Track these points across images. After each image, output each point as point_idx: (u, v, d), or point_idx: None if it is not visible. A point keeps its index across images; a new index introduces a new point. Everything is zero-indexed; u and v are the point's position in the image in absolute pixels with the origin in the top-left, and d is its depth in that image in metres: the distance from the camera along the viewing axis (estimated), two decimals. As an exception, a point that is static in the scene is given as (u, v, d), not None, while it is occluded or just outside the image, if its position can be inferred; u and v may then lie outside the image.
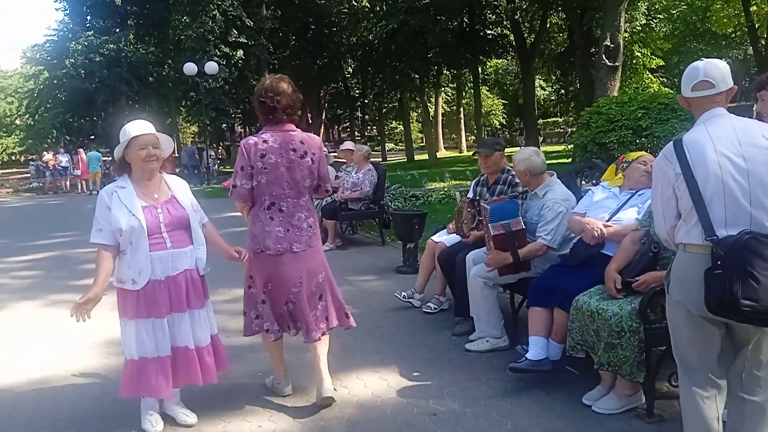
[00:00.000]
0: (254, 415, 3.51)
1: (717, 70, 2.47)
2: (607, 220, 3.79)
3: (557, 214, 4.10)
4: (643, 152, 4.20)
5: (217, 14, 26.55)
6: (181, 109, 39.73)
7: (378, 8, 30.17)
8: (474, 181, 5.18)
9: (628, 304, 3.19)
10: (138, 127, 3.19)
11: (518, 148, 6.00)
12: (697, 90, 2.47)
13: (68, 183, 25.95)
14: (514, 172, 4.79)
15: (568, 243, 4.16)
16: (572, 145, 9.69)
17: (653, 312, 3.13)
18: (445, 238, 5.24)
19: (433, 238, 5.38)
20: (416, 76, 28.08)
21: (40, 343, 5.07)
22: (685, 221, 2.38)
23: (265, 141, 3.43)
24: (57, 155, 26.23)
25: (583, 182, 4.68)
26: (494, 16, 29.11)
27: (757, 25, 26.03)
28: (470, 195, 5.07)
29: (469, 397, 3.61)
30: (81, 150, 25.15)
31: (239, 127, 46.32)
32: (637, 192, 3.85)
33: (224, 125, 35.82)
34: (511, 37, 29.29)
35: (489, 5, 28.47)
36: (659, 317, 3.14)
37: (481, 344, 4.31)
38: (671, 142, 2.47)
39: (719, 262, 2.21)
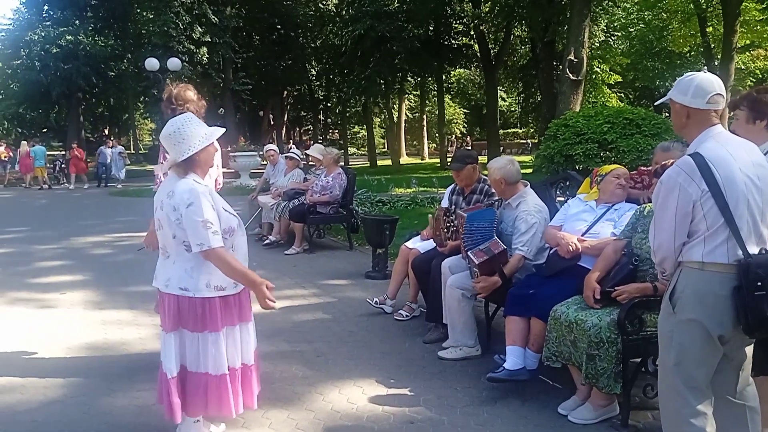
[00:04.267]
0: (229, 424, 3.41)
1: (723, 86, 2.46)
2: (584, 233, 3.84)
3: (531, 225, 4.13)
4: (617, 165, 4.25)
5: (181, 11, 26.03)
6: (139, 104, 38.88)
7: (344, 12, 30.13)
8: (449, 190, 5.18)
9: (607, 315, 3.23)
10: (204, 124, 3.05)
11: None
12: (711, 103, 2.41)
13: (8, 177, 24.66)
14: (490, 182, 4.82)
15: (542, 252, 4.20)
16: (536, 157, 9.85)
17: (631, 324, 3.18)
18: (419, 244, 5.23)
19: (407, 244, 5.36)
20: (382, 82, 28.12)
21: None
22: (706, 240, 2.33)
23: None
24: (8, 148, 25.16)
25: (558, 193, 4.72)
26: (460, 26, 29.42)
27: (712, 46, 26.95)
28: (445, 204, 5.07)
29: (446, 405, 3.60)
30: (24, 143, 23.83)
31: (199, 125, 45.48)
32: (612, 206, 3.92)
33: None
34: (476, 48, 29.63)
35: (455, 15, 28.76)
36: (637, 329, 3.20)
37: (454, 352, 4.31)
38: (688, 157, 2.39)
39: (759, 283, 2.21)
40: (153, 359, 4.34)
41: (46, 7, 31.34)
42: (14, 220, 12.84)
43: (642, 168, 4.10)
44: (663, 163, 3.19)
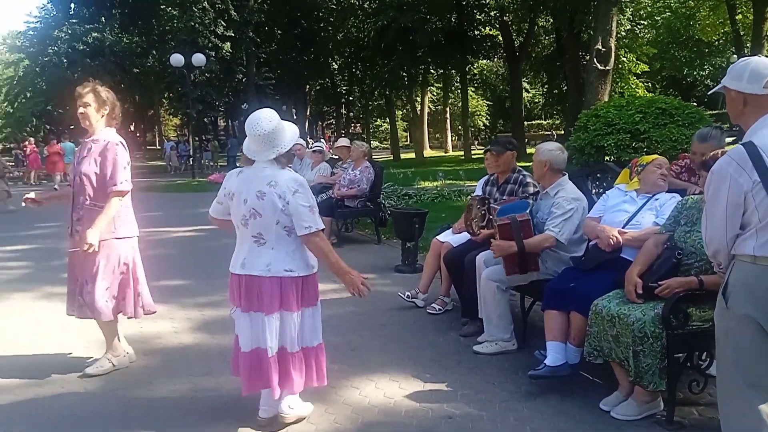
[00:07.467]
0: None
1: None
2: (625, 224, 3.76)
3: (566, 210, 4.06)
4: (656, 156, 4.16)
5: (206, 5, 26.21)
6: (164, 100, 39.26)
7: (367, 5, 30.07)
8: (483, 180, 5.11)
9: (651, 309, 3.16)
10: None
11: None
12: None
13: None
14: (525, 172, 4.75)
15: (579, 244, 4.12)
16: (566, 148, 9.74)
17: (676, 318, 3.10)
18: (451, 238, 5.18)
19: (438, 237, 5.31)
20: (405, 74, 28.02)
21: (37, 337, 4.90)
22: (758, 233, 2.24)
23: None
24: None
25: (595, 185, 4.64)
26: (483, 17, 29.16)
27: (742, 33, 26.38)
28: (479, 193, 5.01)
29: (484, 400, 3.56)
30: (31, 139, 24.35)
31: (221, 120, 45.94)
32: (653, 196, 3.83)
33: (206, 118, 35.51)
34: (500, 39, 29.37)
35: (478, 5, 28.51)
36: (682, 323, 3.12)
37: (489, 347, 4.26)
38: (740, 146, 2.30)
39: None
40: (189, 353, 4.39)
41: (72, 5, 31.74)
42: (40, 216, 12.97)
43: (686, 154, 3.98)
44: (712, 153, 3.08)
